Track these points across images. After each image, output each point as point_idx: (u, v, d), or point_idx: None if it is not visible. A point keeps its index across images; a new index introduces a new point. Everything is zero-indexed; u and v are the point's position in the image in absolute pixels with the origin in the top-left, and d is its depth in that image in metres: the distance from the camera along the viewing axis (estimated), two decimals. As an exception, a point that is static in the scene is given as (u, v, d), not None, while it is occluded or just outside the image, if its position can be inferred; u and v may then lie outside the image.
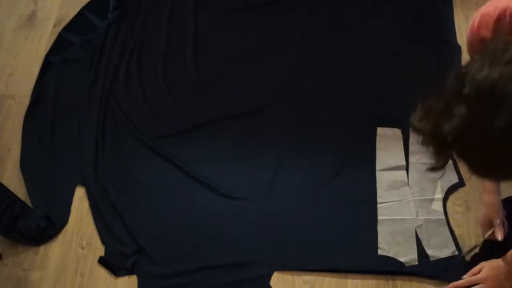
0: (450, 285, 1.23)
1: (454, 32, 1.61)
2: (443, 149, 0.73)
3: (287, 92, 1.58)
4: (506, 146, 0.68)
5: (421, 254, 1.29)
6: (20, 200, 1.46)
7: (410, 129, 0.74)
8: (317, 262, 1.31)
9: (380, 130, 1.47)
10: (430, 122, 0.73)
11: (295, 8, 1.73)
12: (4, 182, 1.49)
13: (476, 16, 0.95)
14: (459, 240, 1.31)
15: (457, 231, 1.32)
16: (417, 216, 1.34)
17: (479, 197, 1.30)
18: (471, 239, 1.31)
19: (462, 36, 1.59)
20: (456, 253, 1.29)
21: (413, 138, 1.43)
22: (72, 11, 1.83)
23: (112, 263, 1.37)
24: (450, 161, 1.39)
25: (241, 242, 1.37)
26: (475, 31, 0.96)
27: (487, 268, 1.19)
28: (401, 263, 1.28)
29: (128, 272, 1.35)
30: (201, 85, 1.63)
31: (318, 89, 1.58)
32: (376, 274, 1.29)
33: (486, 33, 0.93)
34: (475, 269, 1.21)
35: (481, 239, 1.25)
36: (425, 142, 0.74)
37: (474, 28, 0.96)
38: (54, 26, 1.81)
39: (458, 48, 1.57)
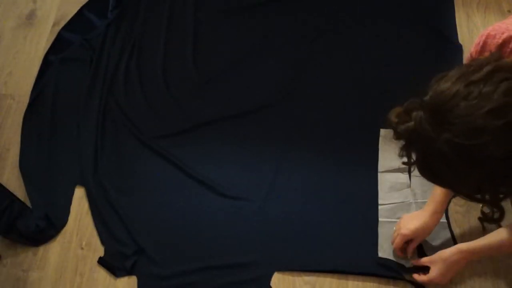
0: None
1: (455, 32, 1.60)
2: (403, 147, 0.80)
3: (287, 92, 1.57)
4: (443, 162, 0.73)
5: (421, 257, 1.28)
6: (19, 200, 1.45)
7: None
8: (317, 263, 1.31)
9: (383, 132, 1.46)
10: (398, 119, 0.78)
11: (295, 8, 1.73)
12: (3, 182, 1.48)
13: (481, 35, 0.97)
14: (460, 240, 1.30)
15: (458, 231, 1.32)
16: None
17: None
18: (472, 239, 1.30)
19: (463, 35, 1.59)
20: None
21: None
22: (71, 10, 1.82)
23: (112, 264, 1.37)
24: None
25: (241, 243, 1.36)
26: (478, 50, 0.98)
27: (437, 253, 1.22)
28: (401, 266, 1.27)
29: (128, 272, 1.35)
30: (201, 85, 1.62)
31: (319, 89, 1.57)
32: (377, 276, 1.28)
33: (490, 51, 0.94)
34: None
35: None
36: (394, 137, 0.81)
37: (477, 47, 0.98)
38: (54, 25, 1.81)
39: (459, 47, 1.57)
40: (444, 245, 1.29)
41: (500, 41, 0.91)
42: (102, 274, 1.36)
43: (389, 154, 1.43)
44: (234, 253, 1.35)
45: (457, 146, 0.70)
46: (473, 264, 1.27)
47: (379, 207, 1.36)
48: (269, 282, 1.30)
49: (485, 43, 0.95)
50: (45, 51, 1.74)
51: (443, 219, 1.32)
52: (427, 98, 0.74)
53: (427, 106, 0.74)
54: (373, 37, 1.64)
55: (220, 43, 1.70)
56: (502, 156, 0.69)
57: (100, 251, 1.39)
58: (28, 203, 1.46)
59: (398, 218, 1.34)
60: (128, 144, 1.54)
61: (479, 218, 0.87)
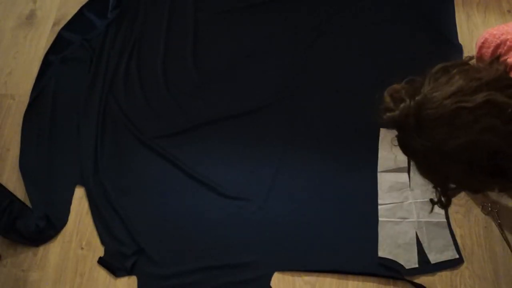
0: None
1: (455, 31, 1.60)
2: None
3: (287, 92, 1.57)
4: (411, 154, 0.85)
5: (422, 257, 1.29)
6: (19, 200, 1.45)
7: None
8: (317, 263, 1.31)
9: (382, 132, 1.46)
10: (390, 103, 0.85)
11: (295, 8, 1.73)
12: (3, 182, 1.48)
13: (483, 35, 1.05)
14: (460, 240, 1.30)
15: (458, 232, 1.32)
16: (418, 218, 1.33)
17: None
18: (473, 239, 1.30)
19: (463, 35, 1.59)
20: (457, 256, 1.28)
21: None
22: (71, 10, 1.82)
23: (112, 264, 1.37)
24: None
25: (241, 243, 1.36)
26: (479, 45, 1.06)
27: None
28: (401, 266, 1.27)
29: (128, 272, 1.35)
30: (201, 85, 1.62)
31: (319, 89, 1.57)
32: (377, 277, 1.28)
33: (486, 52, 1.04)
34: None
35: None
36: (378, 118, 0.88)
37: (477, 45, 1.07)
38: (54, 25, 1.81)
39: (459, 47, 1.57)
40: (445, 246, 1.29)
41: (498, 41, 0.99)
42: (102, 274, 1.36)
43: (388, 154, 1.43)
44: (234, 253, 1.35)
45: (425, 154, 0.81)
46: (474, 265, 1.27)
47: (379, 207, 1.36)
48: (269, 282, 1.30)
49: (484, 42, 1.03)
50: (45, 51, 1.74)
51: (443, 219, 1.32)
52: (419, 98, 0.80)
53: (415, 108, 0.80)
54: (373, 38, 1.63)
55: (220, 43, 1.70)
56: (453, 176, 0.84)
57: (100, 251, 1.39)
58: (28, 203, 1.46)
59: (398, 218, 1.34)
60: (128, 144, 1.54)
61: (431, 200, 0.97)
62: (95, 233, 1.42)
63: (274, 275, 1.31)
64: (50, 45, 1.75)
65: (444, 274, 1.27)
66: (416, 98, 0.81)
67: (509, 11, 1.65)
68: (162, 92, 1.62)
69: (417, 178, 1.39)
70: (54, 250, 1.41)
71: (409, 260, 1.28)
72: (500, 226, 1.30)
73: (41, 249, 1.41)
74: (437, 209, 1.34)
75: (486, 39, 1.03)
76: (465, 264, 1.27)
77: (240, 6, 1.76)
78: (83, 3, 1.83)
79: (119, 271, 1.36)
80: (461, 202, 1.35)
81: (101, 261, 1.37)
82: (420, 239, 1.31)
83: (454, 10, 1.64)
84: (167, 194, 1.45)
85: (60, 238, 1.42)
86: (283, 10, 1.73)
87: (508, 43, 0.96)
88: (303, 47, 1.65)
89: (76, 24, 1.80)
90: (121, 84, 1.65)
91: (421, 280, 1.26)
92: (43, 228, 1.41)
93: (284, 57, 1.64)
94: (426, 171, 0.87)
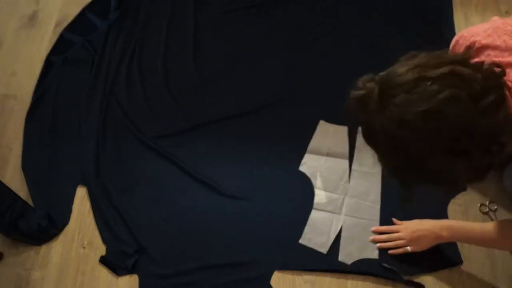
0: (373, 229, 1.32)
1: (453, 31, 1.61)
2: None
3: (287, 92, 1.58)
4: (372, 136, 0.81)
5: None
6: (22, 199, 1.46)
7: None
8: (317, 262, 1.32)
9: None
10: (361, 83, 0.84)
11: (295, 8, 1.74)
12: (6, 182, 1.48)
13: (459, 35, 1.04)
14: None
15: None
16: None
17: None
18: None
19: (462, 36, 1.60)
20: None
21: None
22: (73, 12, 1.83)
23: (113, 263, 1.37)
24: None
25: (242, 242, 1.37)
26: (451, 46, 1.06)
27: (409, 222, 1.27)
28: (401, 266, 1.28)
29: (129, 271, 1.36)
30: (201, 85, 1.63)
31: (319, 89, 1.58)
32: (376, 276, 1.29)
33: (458, 51, 1.03)
34: (398, 221, 1.30)
35: None
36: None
37: (452, 44, 1.06)
38: (56, 26, 1.82)
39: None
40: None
41: (468, 42, 0.98)
42: (103, 273, 1.37)
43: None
44: (235, 252, 1.35)
45: (386, 129, 0.77)
46: (472, 263, 1.28)
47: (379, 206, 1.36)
48: (269, 281, 1.31)
49: (457, 41, 1.03)
50: (47, 52, 1.75)
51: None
52: (383, 74, 0.80)
53: (378, 83, 0.79)
54: (372, 38, 1.64)
55: (220, 43, 1.71)
56: (416, 154, 0.77)
57: (101, 250, 1.40)
58: (30, 203, 1.47)
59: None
60: (129, 144, 1.55)
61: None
62: (96, 232, 1.43)
63: (274, 274, 1.32)
64: (52, 46, 1.76)
65: (443, 274, 1.27)
66: (380, 74, 0.80)
67: (507, 12, 1.65)
68: (163, 92, 1.63)
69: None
70: (56, 249, 1.41)
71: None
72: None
73: (43, 248, 1.42)
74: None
75: (457, 41, 1.02)
76: (463, 263, 1.28)
77: (240, 6, 1.77)
78: (85, 4, 1.84)
79: (120, 270, 1.36)
80: (459, 201, 1.35)
81: (103, 260, 1.38)
82: None
83: (452, 11, 1.65)
84: (168, 194, 1.46)
85: (62, 237, 1.43)
86: (283, 10, 1.74)
87: (477, 44, 0.95)
88: (303, 47, 1.66)
89: (78, 25, 1.81)
90: (123, 85, 1.66)
91: (421, 280, 1.27)
92: (45, 227, 1.42)
93: (284, 57, 1.65)
94: (387, 157, 0.83)
